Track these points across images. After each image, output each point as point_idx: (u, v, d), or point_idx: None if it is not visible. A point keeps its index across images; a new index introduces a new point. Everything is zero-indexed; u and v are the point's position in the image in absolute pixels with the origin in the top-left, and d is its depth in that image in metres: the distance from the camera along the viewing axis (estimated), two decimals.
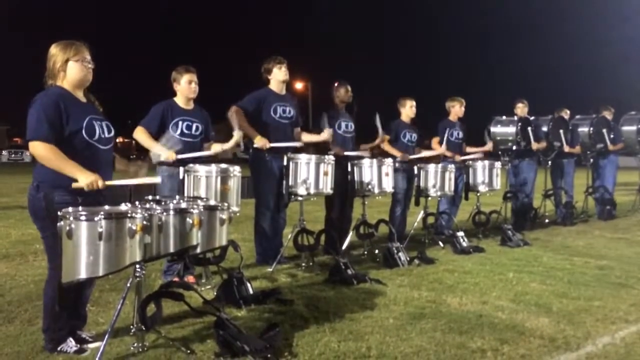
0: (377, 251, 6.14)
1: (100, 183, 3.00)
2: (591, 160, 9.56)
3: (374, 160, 5.99)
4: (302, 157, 5.31)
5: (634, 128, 9.85)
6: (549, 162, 8.83)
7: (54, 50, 3.17)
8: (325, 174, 5.32)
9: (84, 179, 2.97)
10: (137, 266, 3.11)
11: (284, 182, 5.31)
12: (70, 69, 3.15)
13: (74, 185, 2.99)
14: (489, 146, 7.80)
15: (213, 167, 4.47)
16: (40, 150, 2.98)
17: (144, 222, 2.99)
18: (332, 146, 5.81)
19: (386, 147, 6.72)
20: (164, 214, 3.22)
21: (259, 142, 5.25)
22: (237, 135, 4.85)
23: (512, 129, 8.01)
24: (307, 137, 5.80)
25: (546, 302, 4.23)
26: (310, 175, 5.26)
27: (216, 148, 4.86)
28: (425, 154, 7.14)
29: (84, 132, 3.09)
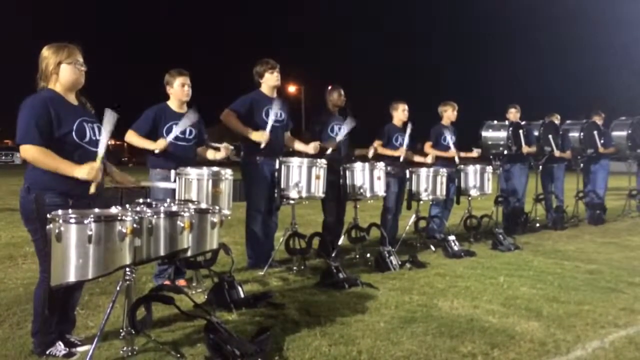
0: (368, 255, 6.15)
1: (98, 173, 2.99)
2: (581, 165, 9.63)
3: (366, 164, 6.01)
4: (294, 161, 5.31)
5: (624, 133, 9.95)
6: (540, 167, 8.89)
7: (47, 52, 3.15)
8: (317, 177, 5.32)
9: (81, 171, 2.96)
10: (127, 269, 3.09)
11: (276, 185, 5.31)
12: (63, 72, 3.13)
13: (78, 175, 2.96)
14: (477, 152, 7.84)
15: (204, 170, 4.46)
16: (31, 153, 2.97)
17: (134, 225, 2.97)
18: (327, 144, 5.82)
19: (380, 150, 6.73)
20: (155, 217, 3.20)
21: (258, 136, 5.23)
22: (224, 150, 4.84)
23: (503, 134, 8.04)
24: (297, 145, 5.81)
25: (536, 306, 4.25)
26: (302, 178, 5.26)
27: (209, 155, 4.86)
28: (418, 159, 7.16)
29: (74, 134, 3.07)
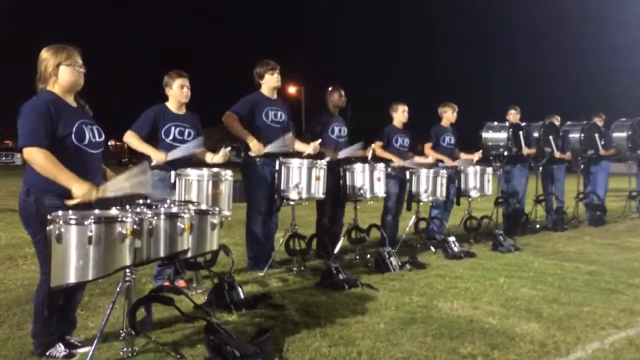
0: (368, 256, 6.15)
1: (94, 194, 2.98)
2: (582, 166, 9.62)
3: (366, 165, 6.01)
4: (294, 162, 5.31)
5: (624, 134, 9.96)
6: (540, 168, 8.89)
7: (46, 54, 3.14)
8: (317, 178, 5.32)
9: (78, 189, 2.94)
10: (127, 270, 3.10)
11: (276, 186, 5.31)
12: (62, 73, 3.13)
13: (68, 202, 2.95)
14: (478, 155, 7.85)
15: (205, 171, 4.45)
16: (36, 156, 2.94)
17: (135, 226, 2.98)
18: (326, 151, 5.80)
19: (379, 152, 6.73)
20: (155, 218, 3.20)
21: (255, 147, 5.23)
22: (222, 156, 4.85)
23: (503, 135, 8.05)
24: (298, 146, 5.80)
25: (536, 308, 4.25)
26: (302, 179, 5.26)
27: (208, 158, 4.86)
28: (418, 160, 7.14)
29: (73, 136, 3.06)
